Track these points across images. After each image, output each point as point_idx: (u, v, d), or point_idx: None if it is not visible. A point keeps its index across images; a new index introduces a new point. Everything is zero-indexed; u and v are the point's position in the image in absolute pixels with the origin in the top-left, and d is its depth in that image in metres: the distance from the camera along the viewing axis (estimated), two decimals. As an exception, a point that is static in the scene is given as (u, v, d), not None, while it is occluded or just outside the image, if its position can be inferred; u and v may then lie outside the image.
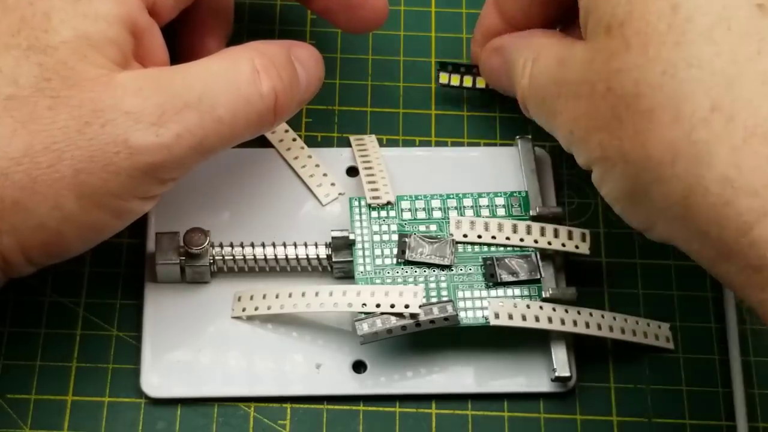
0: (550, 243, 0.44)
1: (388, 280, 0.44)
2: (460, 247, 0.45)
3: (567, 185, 0.48)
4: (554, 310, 0.43)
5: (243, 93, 0.40)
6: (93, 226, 0.40)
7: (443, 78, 0.49)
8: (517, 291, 0.44)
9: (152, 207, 0.41)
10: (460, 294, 0.44)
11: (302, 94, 0.43)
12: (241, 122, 0.40)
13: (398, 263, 0.44)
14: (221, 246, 0.45)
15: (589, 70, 0.38)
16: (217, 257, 0.44)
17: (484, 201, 0.46)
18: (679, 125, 0.35)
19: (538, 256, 0.44)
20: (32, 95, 0.38)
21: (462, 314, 0.43)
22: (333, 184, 0.47)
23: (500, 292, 0.44)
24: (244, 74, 0.40)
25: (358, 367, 0.44)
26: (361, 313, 0.42)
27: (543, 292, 0.43)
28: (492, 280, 0.44)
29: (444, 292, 0.44)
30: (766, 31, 0.35)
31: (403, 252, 0.44)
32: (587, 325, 0.43)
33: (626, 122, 0.37)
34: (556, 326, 0.43)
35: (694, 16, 0.36)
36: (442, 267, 0.44)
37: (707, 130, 0.35)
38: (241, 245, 0.45)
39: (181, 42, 0.45)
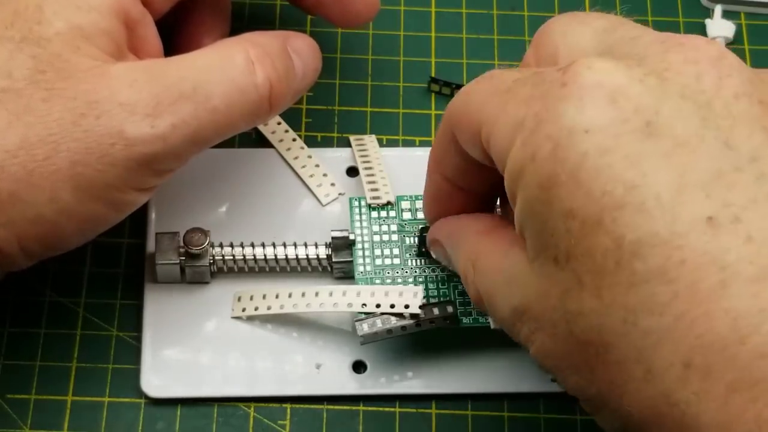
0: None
1: (388, 280, 0.44)
2: (460, 247, 0.45)
3: (567, 185, 0.48)
4: None
5: (237, 83, 0.40)
6: (90, 218, 0.39)
7: (434, 87, 0.50)
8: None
9: (149, 199, 0.41)
10: (460, 294, 0.44)
11: (298, 83, 0.43)
12: (236, 113, 0.40)
13: (415, 255, 0.44)
14: (221, 246, 0.45)
15: (545, 305, 0.33)
16: (217, 257, 0.44)
17: (484, 201, 0.46)
18: (653, 384, 0.31)
19: None
20: (26, 87, 0.38)
21: (462, 314, 0.43)
22: (333, 184, 0.47)
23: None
24: (238, 65, 0.40)
25: (358, 367, 0.44)
26: (362, 313, 0.42)
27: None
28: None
29: (444, 292, 0.44)
30: (724, 255, 0.30)
31: (423, 245, 0.44)
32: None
33: (598, 372, 0.32)
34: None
35: (641, 250, 0.31)
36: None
37: (685, 390, 0.30)
38: (241, 245, 0.45)
39: (178, 40, 0.45)
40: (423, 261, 0.44)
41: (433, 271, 0.44)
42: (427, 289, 0.44)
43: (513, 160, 0.33)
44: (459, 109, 0.37)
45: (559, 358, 0.34)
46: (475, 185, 0.40)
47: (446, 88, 0.50)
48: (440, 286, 0.44)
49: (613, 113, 0.32)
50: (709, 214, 0.31)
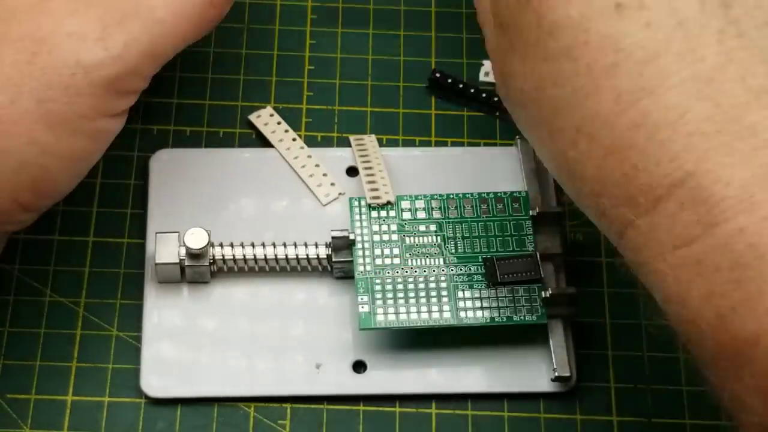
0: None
1: (388, 281, 0.44)
2: (460, 247, 0.45)
3: (567, 185, 0.48)
4: None
5: None
6: (73, 155, 0.39)
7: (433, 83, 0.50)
8: (517, 292, 0.44)
9: (122, 125, 0.41)
10: (460, 294, 0.44)
11: None
12: (184, 21, 0.40)
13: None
14: (221, 246, 0.45)
15: (496, 70, 0.39)
16: (217, 257, 0.44)
17: (484, 201, 0.46)
18: (552, 141, 0.37)
19: (538, 256, 0.44)
20: None
21: (462, 314, 0.43)
22: (333, 184, 0.47)
23: (500, 292, 0.44)
24: None
25: (358, 367, 0.44)
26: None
27: (543, 292, 0.43)
28: (492, 280, 0.44)
29: (444, 293, 0.44)
30: (623, 39, 0.35)
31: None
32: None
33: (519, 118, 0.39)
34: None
35: (555, 30, 0.35)
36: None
37: (574, 150, 0.36)
38: (241, 245, 0.45)
39: None
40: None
41: (433, 271, 0.44)
42: (427, 289, 0.44)
43: None
44: None
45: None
46: None
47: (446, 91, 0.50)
48: (440, 286, 0.44)
49: None
50: (619, 0, 0.34)
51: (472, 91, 0.50)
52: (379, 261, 0.44)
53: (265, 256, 0.45)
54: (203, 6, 0.41)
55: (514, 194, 0.46)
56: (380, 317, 0.43)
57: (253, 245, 0.45)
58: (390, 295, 0.44)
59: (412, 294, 0.44)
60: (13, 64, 0.38)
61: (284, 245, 0.45)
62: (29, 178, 0.39)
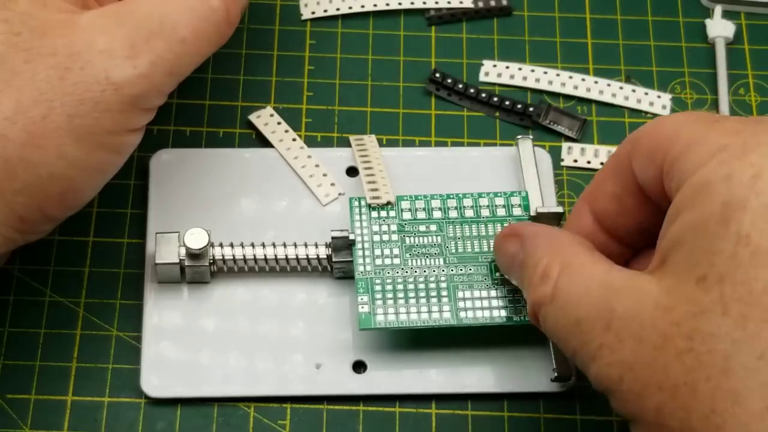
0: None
1: (388, 281, 0.44)
2: (460, 247, 0.45)
3: (567, 185, 0.48)
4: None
5: (198, 11, 0.41)
6: (98, 168, 0.40)
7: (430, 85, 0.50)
8: (516, 291, 0.44)
9: (140, 138, 0.41)
10: (460, 294, 0.44)
11: None
12: (203, 39, 0.41)
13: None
14: (221, 246, 0.45)
15: (665, 317, 0.33)
16: (217, 257, 0.44)
17: (484, 201, 0.46)
18: (765, 422, 0.31)
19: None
20: (6, 52, 0.38)
21: (462, 314, 0.43)
22: (333, 184, 0.47)
23: (500, 292, 0.44)
24: None
25: (358, 367, 0.44)
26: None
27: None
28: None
29: (444, 292, 0.44)
30: None
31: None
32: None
33: (702, 396, 0.32)
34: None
35: None
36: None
37: None
38: (241, 245, 0.45)
39: None
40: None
41: (433, 271, 0.44)
42: (427, 289, 0.44)
43: (701, 175, 0.34)
44: (649, 130, 0.38)
45: (653, 373, 0.34)
46: (618, 222, 0.40)
47: (444, 91, 0.50)
48: (440, 286, 0.44)
49: None
50: None
51: (472, 91, 0.50)
52: (379, 261, 0.44)
53: (265, 256, 0.45)
54: (220, 23, 0.41)
55: (514, 194, 0.46)
56: (380, 317, 0.43)
57: (253, 245, 0.45)
58: (390, 295, 0.44)
59: (412, 294, 0.44)
60: (46, 79, 0.38)
61: (284, 245, 0.45)
62: (57, 190, 0.39)
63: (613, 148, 0.49)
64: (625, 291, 0.35)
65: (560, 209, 0.45)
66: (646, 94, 0.51)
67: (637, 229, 0.40)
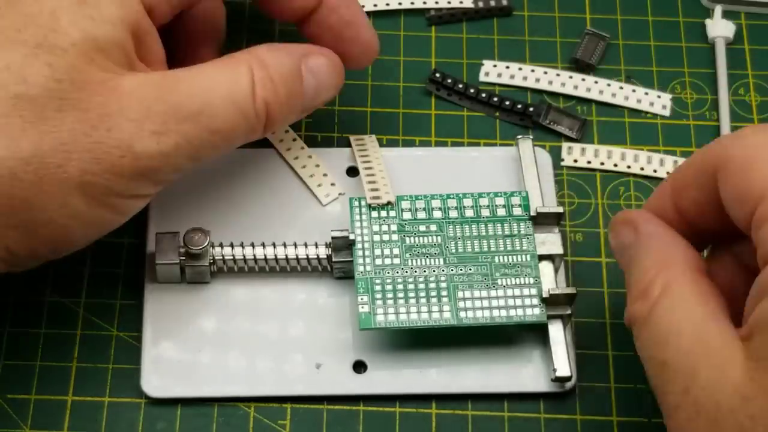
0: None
1: (388, 281, 0.44)
2: (461, 247, 0.45)
3: (567, 185, 0.48)
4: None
5: (240, 107, 0.41)
6: (97, 222, 0.40)
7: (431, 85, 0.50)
8: (516, 291, 0.44)
9: (146, 203, 0.42)
10: (460, 294, 0.44)
11: (309, 103, 0.43)
12: (234, 135, 0.41)
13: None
14: (221, 246, 0.45)
15: (744, 406, 0.33)
16: (217, 257, 0.44)
17: (484, 201, 0.46)
18: None
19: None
20: (41, 95, 0.38)
21: (462, 314, 0.43)
22: (333, 184, 0.47)
23: (500, 292, 0.44)
24: (242, 87, 0.41)
25: (358, 367, 0.44)
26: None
27: (542, 292, 0.43)
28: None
29: (444, 292, 0.44)
30: None
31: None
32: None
33: None
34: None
35: None
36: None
37: None
38: (241, 245, 0.45)
39: (176, 47, 0.46)
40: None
41: (433, 271, 0.44)
42: (426, 289, 0.44)
43: None
44: (739, 160, 0.36)
45: None
46: (700, 222, 0.39)
47: (444, 91, 0.50)
48: (440, 286, 0.44)
49: None
50: None
51: (472, 91, 0.50)
52: (379, 261, 0.44)
53: (265, 256, 0.45)
54: (256, 125, 0.42)
55: (514, 194, 0.46)
56: (380, 317, 0.43)
57: (253, 245, 0.45)
58: (390, 295, 0.44)
59: (412, 294, 0.44)
60: (72, 130, 0.38)
61: (284, 245, 0.45)
62: (51, 235, 0.39)
63: (613, 149, 0.49)
64: (713, 356, 0.34)
65: (560, 209, 0.45)
66: (646, 94, 0.51)
67: (720, 230, 0.39)
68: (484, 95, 0.50)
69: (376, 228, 0.45)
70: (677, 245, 0.39)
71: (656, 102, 0.50)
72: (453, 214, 0.45)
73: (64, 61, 0.38)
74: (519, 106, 0.50)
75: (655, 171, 0.49)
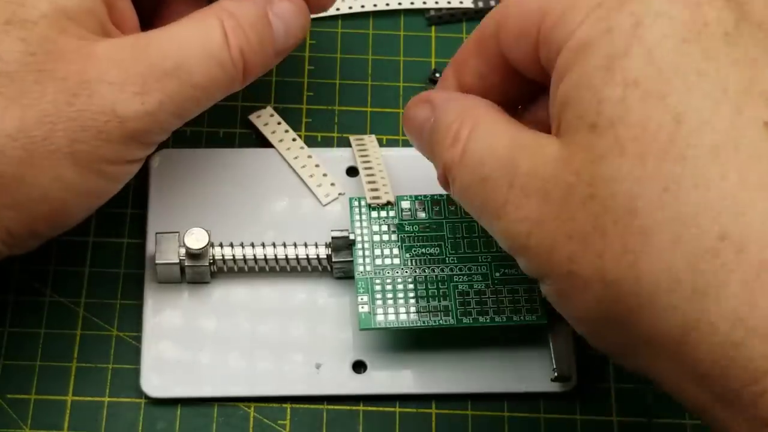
0: None
1: (388, 281, 0.44)
2: (460, 247, 0.45)
3: (567, 185, 0.48)
4: None
5: (216, 58, 0.41)
6: (92, 193, 0.41)
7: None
8: (516, 291, 0.44)
9: (139, 168, 0.42)
10: (460, 294, 0.44)
11: (281, 46, 0.43)
12: (215, 87, 0.41)
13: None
14: (221, 246, 0.45)
15: (565, 168, 0.34)
16: (217, 257, 0.44)
17: (484, 201, 0.46)
18: (681, 251, 0.32)
19: None
20: (18, 70, 0.38)
21: (462, 314, 0.43)
22: (333, 184, 0.47)
23: (500, 292, 0.44)
24: (215, 39, 0.41)
25: (358, 367, 0.44)
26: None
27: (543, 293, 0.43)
28: None
29: (444, 293, 0.44)
30: None
31: None
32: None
33: (611, 237, 0.33)
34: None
35: (701, 130, 0.32)
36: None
37: (715, 260, 0.31)
38: (241, 245, 0.45)
39: (151, 10, 0.46)
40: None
41: (433, 271, 0.44)
42: (426, 288, 0.44)
43: (579, 36, 0.34)
44: (515, 7, 0.38)
45: (561, 224, 0.34)
46: (487, 97, 0.40)
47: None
48: (440, 286, 0.44)
49: (699, 13, 0.34)
50: (766, 119, 0.32)
51: (472, 90, 0.50)
52: (379, 261, 0.44)
53: (265, 256, 0.45)
54: (234, 74, 0.42)
55: (514, 194, 0.46)
56: (380, 317, 0.43)
57: (253, 245, 0.45)
58: (390, 295, 0.44)
59: (412, 294, 0.44)
60: (54, 101, 0.38)
61: (284, 245, 0.45)
62: (48, 210, 0.39)
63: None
64: (529, 149, 0.35)
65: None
66: (646, 94, 0.51)
67: (506, 103, 0.40)
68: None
69: (376, 228, 0.45)
70: (477, 98, 0.39)
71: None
72: (453, 214, 0.45)
73: (36, 33, 0.39)
74: (519, 106, 0.50)
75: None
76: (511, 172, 0.35)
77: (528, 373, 0.44)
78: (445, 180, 0.38)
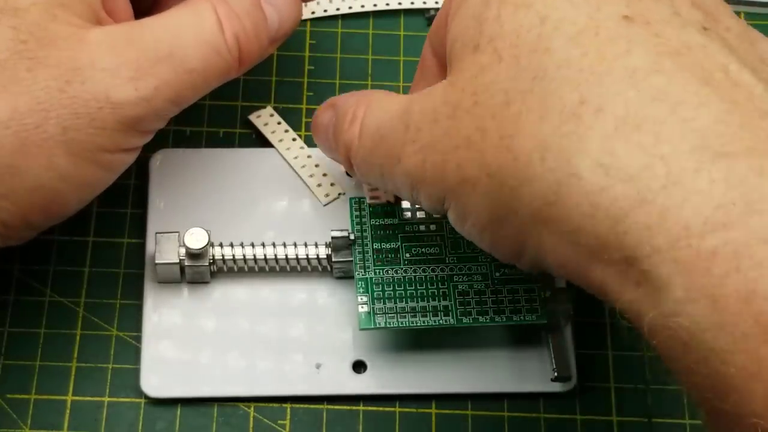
0: None
1: (389, 281, 0.44)
2: (460, 247, 0.45)
3: (567, 185, 0.48)
4: None
5: (211, 44, 0.41)
6: (87, 182, 0.40)
7: None
8: (516, 291, 0.44)
9: (135, 158, 0.42)
10: (460, 294, 0.44)
11: (274, 34, 0.43)
12: (210, 73, 0.41)
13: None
14: (221, 246, 0.45)
15: (452, 91, 0.37)
16: (217, 257, 0.44)
17: (484, 201, 0.46)
18: (547, 121, 0.34)
19: None
20: (10, 58, 0.38)
21: (462, 314, 0.43)
22: (333, 184, 0.47)
23: (500, 292, 0.44)
24: (210, 24, 0.41)
25: (358, 367, 0.44)
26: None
27: (543, 292, 0.43)
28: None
29: (444, 293, 0.44)
30: (635, 36, 0.34)
31: None
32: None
33: (490, 131, 0.35)
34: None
35: (562, 24, 0.35)
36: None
37: (577, 122, 0.34)
38: (241, 245, 0.45)
39: (142, 5, 0.45)
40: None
41: (433, 271, 0.44)
42: (426, 288, 0.44)
43: None
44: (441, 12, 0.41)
45: (450, 138, 0.36)
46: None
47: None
48: (440, 286, 0.44)
49: None
50: (626, 13, 0.35)
51: (472, 90, 0.50)
52: (379, 261, 0.44)
53: (265, 256, 0.45)
54: (231, 61, 0.41)
55: (514, 194, 0.46)
56: (380, 317, 0.43)
57: (253, 245, 0.45)
58: (390, 295, 0.44)
59: (412, 294, 0.44)
60: (46, 88, 0.38)
61: (284, 245, 0.45)
62: (42, 199, 0.39)
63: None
64: (422, 95, 0.38)
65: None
66: (646, 94, 0.51)
67: None
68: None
69: (376, 228, 0.45)
70: (375, 90, 0.42)
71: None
72: (453, 214, 0.45)
73: (27, 21, 0.38)
74: (519, 106, 0.50)
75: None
76: (406, 119, 0.38)
77: (528, 373, 0.44)
78: (348, 163, 0.41)
